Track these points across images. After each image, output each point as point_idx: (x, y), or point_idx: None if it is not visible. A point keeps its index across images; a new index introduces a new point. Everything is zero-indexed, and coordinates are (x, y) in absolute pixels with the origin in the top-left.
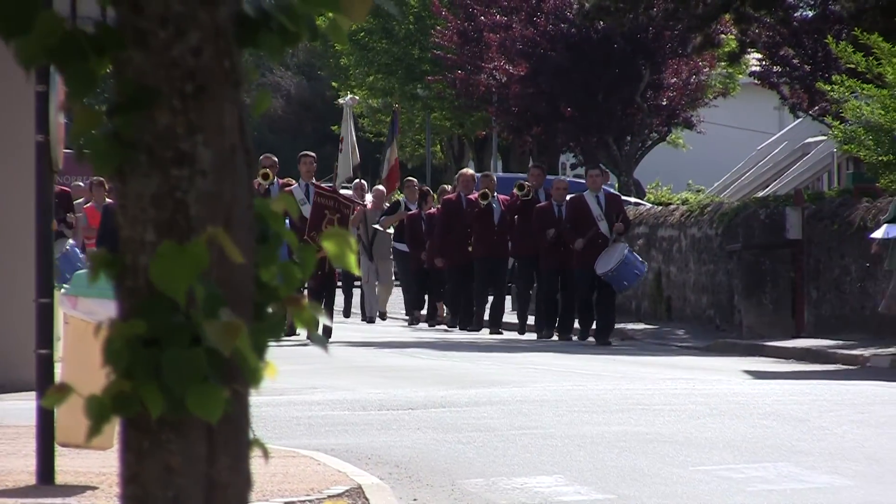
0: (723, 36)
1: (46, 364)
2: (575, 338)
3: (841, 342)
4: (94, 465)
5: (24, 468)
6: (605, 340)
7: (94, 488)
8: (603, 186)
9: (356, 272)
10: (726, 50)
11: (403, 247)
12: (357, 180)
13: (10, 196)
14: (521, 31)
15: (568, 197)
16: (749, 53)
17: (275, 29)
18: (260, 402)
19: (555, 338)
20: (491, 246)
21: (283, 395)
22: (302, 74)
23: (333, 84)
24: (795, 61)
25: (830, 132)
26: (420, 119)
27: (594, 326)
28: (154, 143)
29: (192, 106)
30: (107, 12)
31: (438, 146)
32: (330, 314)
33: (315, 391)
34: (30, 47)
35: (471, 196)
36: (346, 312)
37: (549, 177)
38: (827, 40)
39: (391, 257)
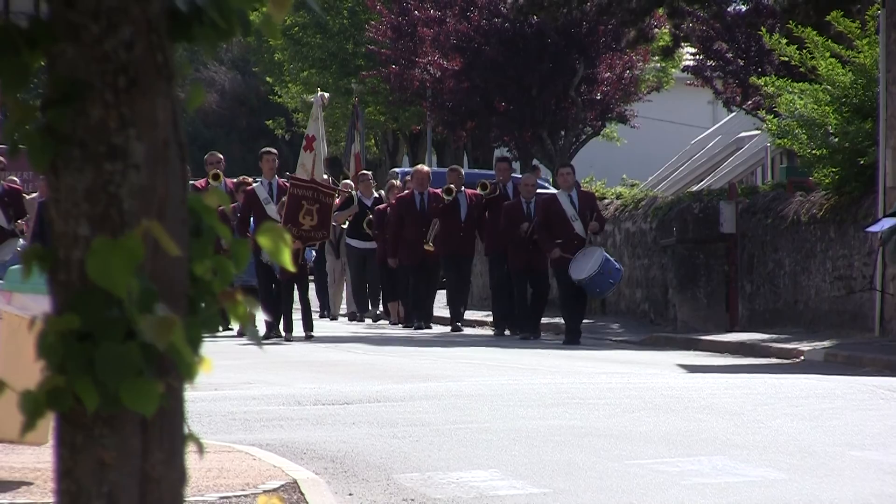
0: (656, 30)
1: None
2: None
3: (775, 336)
4: (29, 461)
5: None
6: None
7: (28, 484)
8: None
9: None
10: (660, 44)
11: (356, 242)
12: (347, 180)
13: None
14: (454, 25)
15: (539, 191)
16: (683, 48)
17: (207, 23)
18: (195, 398)
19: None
20: (457, 243)
21: (218, 390)
22: (236, 69)
23: (268, 79)
24: (729, 55)
25: (764, 126)
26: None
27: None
28: (87, 137)
29: (124, 100)
30: (40, 7)
31: (373, 141)
32: (305, 308)
33: (250, 386)
34: None
35: (436, 191)
36: (320, 313)
37: (485, 171)
38: (760, 33)
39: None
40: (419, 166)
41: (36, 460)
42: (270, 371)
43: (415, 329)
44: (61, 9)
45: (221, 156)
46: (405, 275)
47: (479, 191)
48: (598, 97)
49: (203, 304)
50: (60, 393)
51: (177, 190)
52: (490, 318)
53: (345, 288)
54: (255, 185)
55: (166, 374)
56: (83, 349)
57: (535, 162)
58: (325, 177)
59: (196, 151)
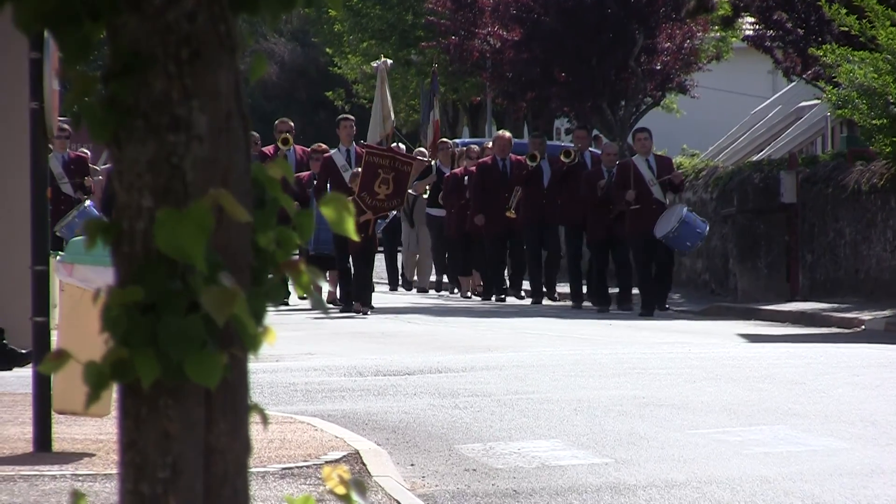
0: (716, 0)
1: (42, 331)
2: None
3: (835, 305)
4: (91, 433)
5: (21, 436)
6: (662, 307)
7: (91, 455)
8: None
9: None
10: (720, 14)
11: (435, 211)
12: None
13: (5, 164)
14: None
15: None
16: (742, 17)
17: None
18: (257, 369)
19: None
20: (541, 211)
21: (279, 362)
22: (296, 41)
23: (328, 50)
24: (789, 25)
25: (824, 96)
26: (414, 85)
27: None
28: (149, 108)
29: (187, 71)
30: None
31: None
32: (369, 278)
33: (312, 357)
34: (25, 12)
35: (519, 158)
36: (392, 284)
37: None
38: (820, 3)
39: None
40: (501, 132)
41: (98, 432)
42: (332, 342)
43: (495, 300)
44: None
45: (292, 123)
46: (481, 247)
47: (562, 158)
48: (658, 67)
49: (267, 276)
50: (125, 364)
51: (240, 161)
52: (566, 290)
53: (408, 257)
54: (332, 152)
55: (230, 346)
56: (147, 322)
57: (595, 132)
58: (401, 145)
59: (257, 123)
